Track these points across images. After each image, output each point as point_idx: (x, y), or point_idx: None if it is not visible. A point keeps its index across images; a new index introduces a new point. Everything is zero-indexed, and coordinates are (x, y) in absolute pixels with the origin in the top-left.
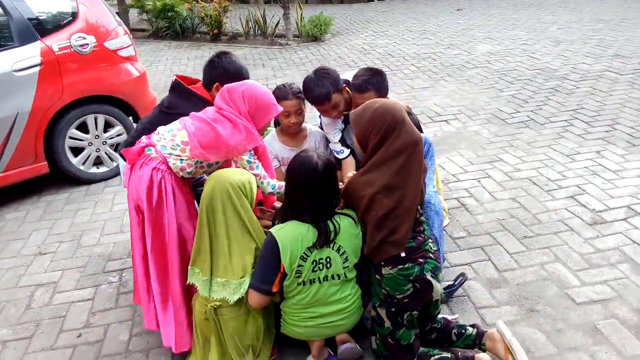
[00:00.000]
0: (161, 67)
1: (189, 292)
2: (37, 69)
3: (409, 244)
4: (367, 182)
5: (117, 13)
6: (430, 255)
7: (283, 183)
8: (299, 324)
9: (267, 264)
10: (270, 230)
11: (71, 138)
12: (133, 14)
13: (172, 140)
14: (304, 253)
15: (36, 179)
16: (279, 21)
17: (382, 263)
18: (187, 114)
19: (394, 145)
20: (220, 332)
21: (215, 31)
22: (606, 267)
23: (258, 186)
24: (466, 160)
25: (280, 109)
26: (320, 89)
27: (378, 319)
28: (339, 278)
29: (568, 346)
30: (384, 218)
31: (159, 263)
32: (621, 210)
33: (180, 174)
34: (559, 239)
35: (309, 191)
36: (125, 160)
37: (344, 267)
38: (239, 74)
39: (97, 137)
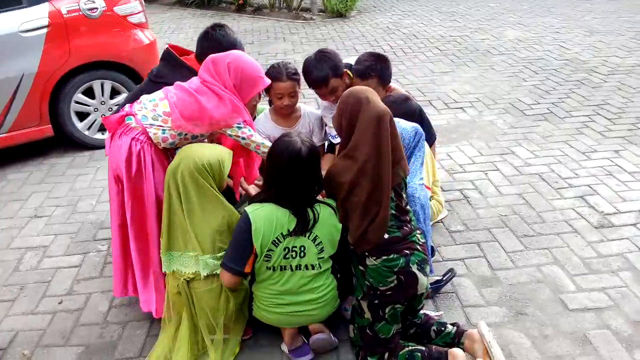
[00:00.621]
0: (182, 35)
1: None
2: (45, 30)
3: (393, 233)
4: (345, 167)
5: None
6: (417, 247)
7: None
8: (269, 309)
9: (240, 244)
10: (245, 208)
11: (77, 102)
12: None
13: (154, 110)
14: (277, 238)
15: (43, 142)
16: None
17: (367, 253)
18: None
19: (362, 124)
20: (192, 307)
21: (241, 1)
22: (606, 273)
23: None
24: (476, 151)
25: (268, 82)
26: (318, 72)
27: (359, 309)
28: (312, 268)
29: (553, 354)
30: (366, 203)
31: (138, 232)
32: (632, 215)
33: (162, 144)
34: (561, 240)
35: (291, 176)
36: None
37: (318, 258)
38: (232, 48)
39: (103, 103)
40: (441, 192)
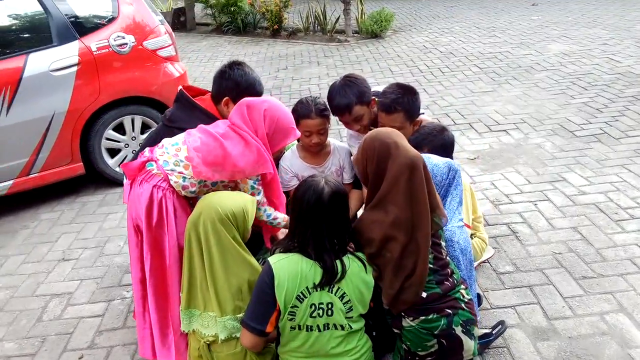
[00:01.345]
0: (218, 63)
1: None
2: (75, 69)
3: (432, 289)
4: (374, 221)
5: (181, 8)
6: (462, 305)
7: (282, 216)
8: None
9: (261, 299)
10: (269, 259)
11: (107, 139)
12: (199, 8)
13: (176, 155)
14: (302, 292)
15: (76, 179)
16: (339, 17)
17: (403, 314)
18: (187, 129)
19: (392, 172)
20: None
21: (276, 27)
22: None
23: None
24: (523, 179)
25: (299, 134)
26: (341, 98)
27: None
28: (342, 329)
29: None
30: (400, 258)
31: (158, 288)
32: None
33: (183, 192)
34: (626, 282)
35: (313, 221)
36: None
37: (346, 317)
38: (252, 89)
39: (133, 138)
40: (484, 228)
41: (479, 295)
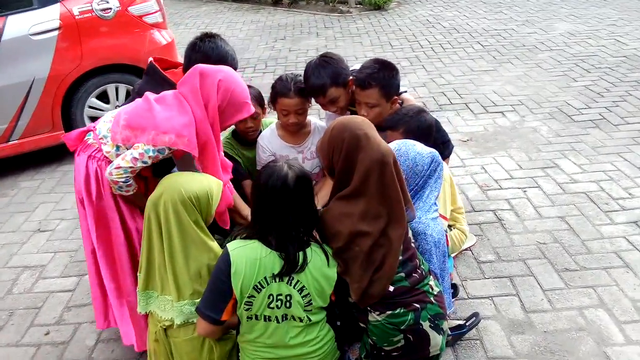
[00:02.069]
0: (215, 29)
1: None
2: (56, 33)
3: (400, 282)
4: (342, 214)
5: None
6: (430, 299)
7: (119, 168)
8: None
9: (217, 287)
10: (227, 245)
11: (91, 107)
12: None
13: (111, 122)
14: (259, 282)
15: (59, 147)
16: None
17: (369, 308)
18: None
19: (363, 166)
20: (170, 357)
21: None
22: None
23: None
24: (515, 164)
25: (252, 110)
26: (315, 79)
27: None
28: (300, 321)
29: None
30: (369, 252)
31: (107, 259)
32: None
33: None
34: (609, 277)
35: (277, 209)
36: None
37: (305, 310)
38: (223, 62)
39: (117, 107)
40: (465, 219)
41: (455, 286)
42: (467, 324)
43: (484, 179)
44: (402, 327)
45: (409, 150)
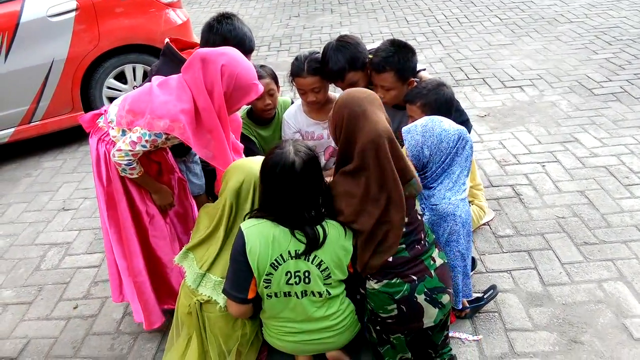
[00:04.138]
0: (229, 8)
1: (153, 266)
2: (73, 14)
3: (400, 253)
4: (345, 192)
5: None
6: (431, 272)
7: (120, 151)
8: (280, 337)
9: (237, 267)
10: (241, 225)
11: (109, 88)
12: None
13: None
14: (276, 260)
15: (80, 128)
16: None
17: (368, 276)
18: None
19: (360, 146)
20: (202, 331)
21: None
22: None
23: None
24: (534, 138)
25: (261, 90)
26: (332, 64)
27: (368, 329)
28: (320, 296)
29: None
30: (372, 230)
31: (118, 238)
32: None
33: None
34: (629, 250)
35: (287, 196)
36: None
37: (325, 284)
38: (241, 45)
39: (135, 87)
40: (483, 195)
41: (473, 260)
42: (484, 297)
43: (502, 154)
44: (396, 297)
45: (434, 126)
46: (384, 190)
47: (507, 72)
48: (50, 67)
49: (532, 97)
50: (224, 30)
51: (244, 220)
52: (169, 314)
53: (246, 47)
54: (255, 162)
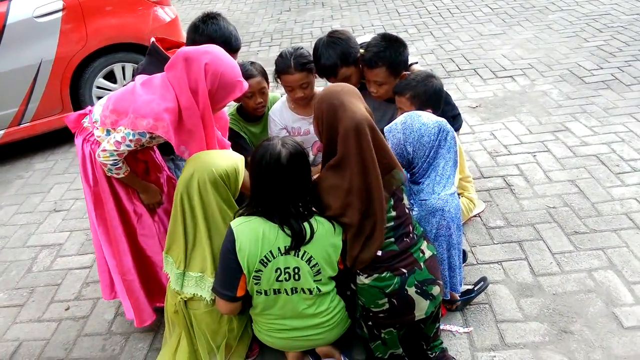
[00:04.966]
0: (219, 4)
1: (143, 264)
2: (60, 14)
3: (389, 247)
4: (332, 186)
5: None
6: (420, 264)
7: (105, 151)
8: (270, 334)
9: (226, 264)
10: (230, 223)
11: (99, 88)
12: None
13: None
14: (265, 256)
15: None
16: None
17: (358, 271)
18: None
19: (341, 137)
20: (190, 328)
21: None
22: None
23: None
24: (525, 128)
25: (246, 87)
26: (325, 60)
27: (359, 324)
28: (310, 293)
29: None
30: (360, 224)
31: (107, 237)
32: None
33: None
34: (619, 238)
35: (274, 188)
36: None
37: (315, 281)
38: (227, 45)
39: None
40: (473, 187)
41: (464, 252)
42: (475, 289)
43: (493, 145)
44: (387, 291)
45: (413, 122)
46: (366, 182)
47: (498, 62)
48: (39, 68)
49: (523, 87)
50: (209, 31)
51: (234, 217)
52: (160, 312)
53: (232, 46)
54: (212, 156)
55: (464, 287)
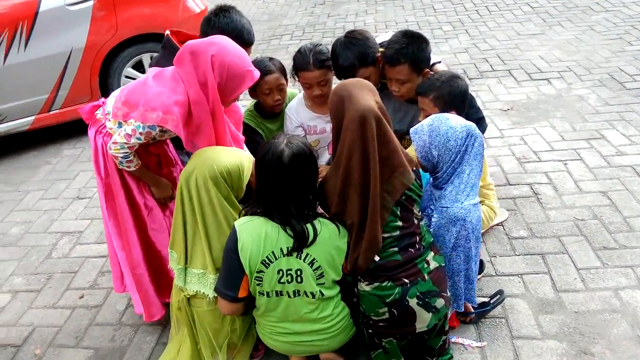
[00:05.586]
0: None
1: (153, 258)
2: (91, 2)
3: (393, 256)
4: (334, 184)
5: None
6: (424, 275)
7: (116, 143)
8: (272, 337)
9: (229, 264)
10: (234, 222)
11: (127, 77)
12: None
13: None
14: (267, 257)
15: None
16: None
17: (360, 277)
18: None
19: (344, 126)
20: (193, 325)
21: None
22: None
23: None
24: (557, 134)
25: (257, 75)
26: (342, 61)
27: (361, 331)
28: (312, 297)
29: None
30: (360, 223)
31: (118, 230)
32: None
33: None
34: None
35: (275, 186)
36: None
37: (318, 284)
38: (239, 38)
39: None
40: (495, 196)
41: (481, 262)
42: (491, 302)
43: (522, 150)
44: (387, 300)
45: (440, 125)
46: (365, 174)
47: (534, 64)
48: (69, 55)
49: (559, 91)
50: (221, 24)
51: (239, 216)
52: (169, 307)
53: (245, 40)
54: (216, 153)
55: (480, 299)
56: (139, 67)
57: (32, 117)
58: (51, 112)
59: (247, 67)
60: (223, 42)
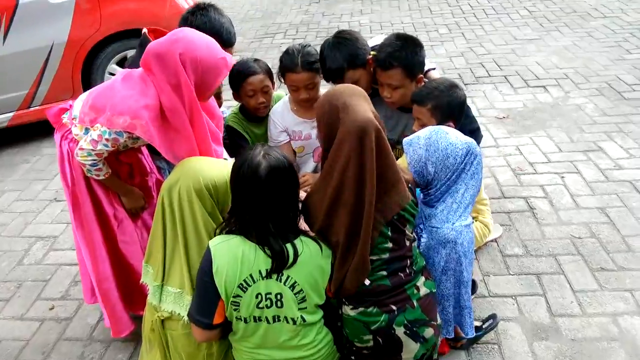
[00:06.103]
0: None
1: (123, 271)
2: None
3: (382, 281)
4: (320, 198)
5: None
6: (413, 302)
7: (82, 150)
8: None
9: (203, 288)
10: (209, 242)
11: (111, 74)
12: None
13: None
14: (244, 280)
15: None
16: None
17: (344, 300)
18: None
19: (338, 138)
20: (166, 349)
21: None
22: None
23: None
24: (554, 145)
25: (231, 60)
26: (330, 62)
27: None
28: (294, 323)
29: None
30: (348, 242)
31: (85, 242)
32: None
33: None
34: None
35: (251, 202)
36: None
37: (299, 309)
38: (217, 37)
39: None
40: (489, 211)
41: (473, 282)
42: (483, 327)
43: (518, 161)
44: (372, 328)
45: (439, 139)
46: (359, 192)
47: (531, 70)
48: (50, 50)
49: (556, 99)
50: (197, 23)
51: (214, 235)
52: (140, 321)
53: (224, 40)
54: (203, 164)
55: (473, 323)
56: (123, 63)
57: (11, 114)
58: (31, 109)
59: (219, 55)
60: (187, 36)
